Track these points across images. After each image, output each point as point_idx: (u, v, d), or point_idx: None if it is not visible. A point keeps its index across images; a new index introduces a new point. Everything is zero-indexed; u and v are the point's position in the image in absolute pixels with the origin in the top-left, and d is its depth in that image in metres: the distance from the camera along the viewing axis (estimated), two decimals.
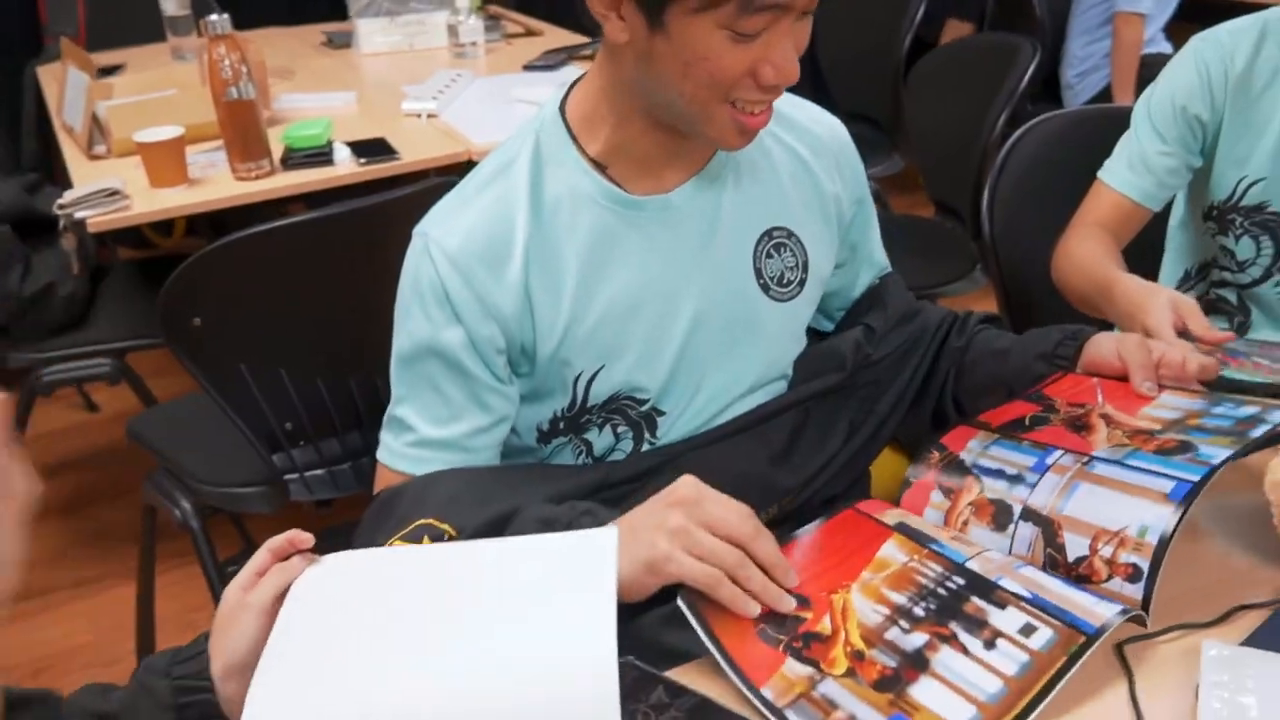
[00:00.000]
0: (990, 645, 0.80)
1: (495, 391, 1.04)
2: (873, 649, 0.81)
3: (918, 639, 0.81)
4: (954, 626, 0.82)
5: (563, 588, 0.81)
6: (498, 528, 0.94)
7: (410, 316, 1.03)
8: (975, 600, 0.84)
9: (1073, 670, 0.76)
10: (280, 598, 0.83)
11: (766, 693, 0.79)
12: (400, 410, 1.06)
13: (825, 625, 0.83)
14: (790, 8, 0.90)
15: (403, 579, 0.85)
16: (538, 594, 0.81)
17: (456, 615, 0.80)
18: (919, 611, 0.83)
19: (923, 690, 0.77)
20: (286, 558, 0.86)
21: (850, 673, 0.79)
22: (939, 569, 0.87)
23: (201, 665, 0.82)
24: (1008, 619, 0.81)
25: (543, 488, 1.02)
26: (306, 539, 0.86)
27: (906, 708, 0.76)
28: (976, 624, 0.81)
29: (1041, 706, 0.74)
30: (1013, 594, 0.83)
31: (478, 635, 0.78)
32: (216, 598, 1.76)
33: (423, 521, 0.94)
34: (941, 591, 0.85)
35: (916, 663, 0.79)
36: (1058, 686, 0.75)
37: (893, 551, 0.91)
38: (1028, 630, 0.80)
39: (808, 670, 0.80)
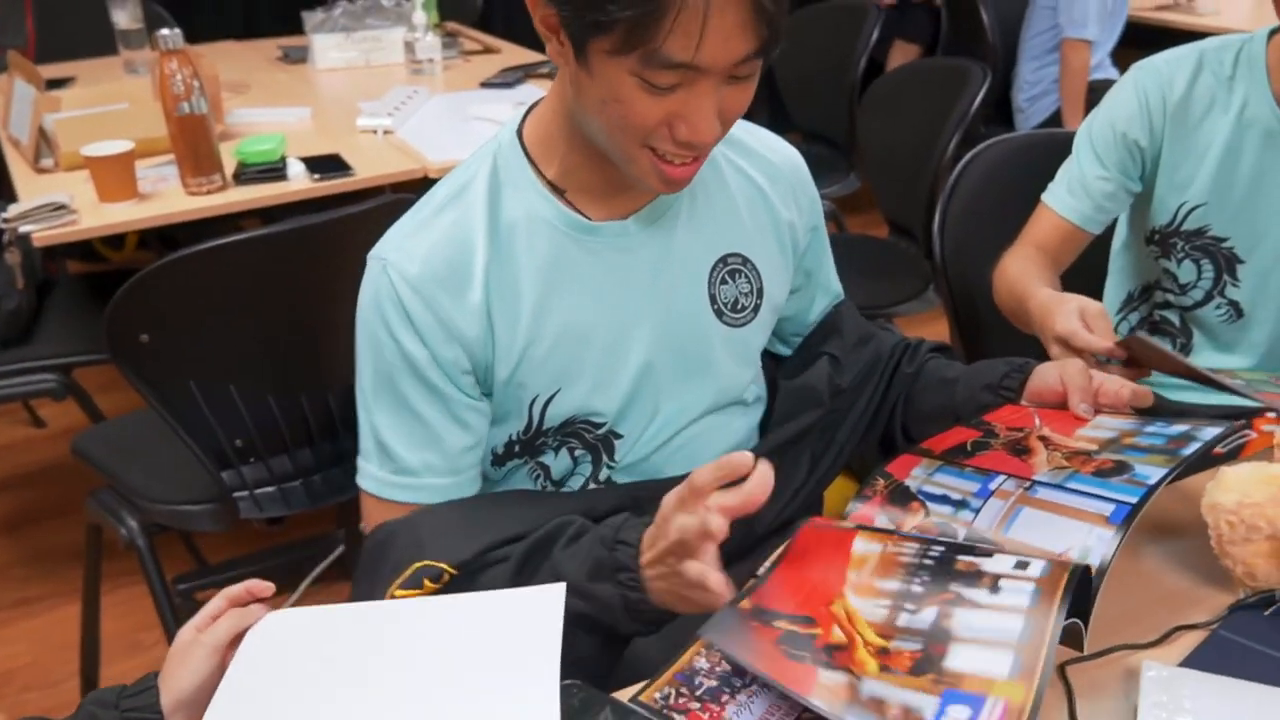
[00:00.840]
0: (995, 589, 0.80)
1: (471, 408, 1.04)
2: (893, 640, 0.81)
3: (929, 614, 0.81)
4: (955, 588, 0.82)
5: (510, 648, 0.81)
6: (529, 557, 0.94)
7: (377, 341, 1.01)
8: (962, 557, 0.84)
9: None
10: (234, 640, 0.84)
11: (817, 702, 0.78)
12: (381, 437, 1.04)
13: (838, 635, 0.83)
14: (702, 70, 0.87)
15: (354, 639, 0.85)
16: (485, 655, 0.81)
17: (403, 679, 0.80)
18: (917, 589, 0.83)
19: (957, 658, 0.77)
20: (244, 605, 0.87)
21: (884, 669, 0.79)
22: (915, 545, 0.88)
23: (151, 699, 0.82)
24: (999, 563, 0.83)
25: (532, 513, 1.01)
26: (266, 588, 0.87)
27: (951, 681, 0.76)
28: (974, 577, 0.82)
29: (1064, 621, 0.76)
30: (991, 546, 0.85)
31: (424, 701, 0.78)
32: (164, 617, 1.74)
33: (421, 565, 0.94)
34: (928, 562, 0.85)
35: (939, 636, 0.79)
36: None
37: (865, 546, 0.91)
38: (1022, 565, 0.81)
39: (844, 678, 0.79)
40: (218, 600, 0.86)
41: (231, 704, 0.78)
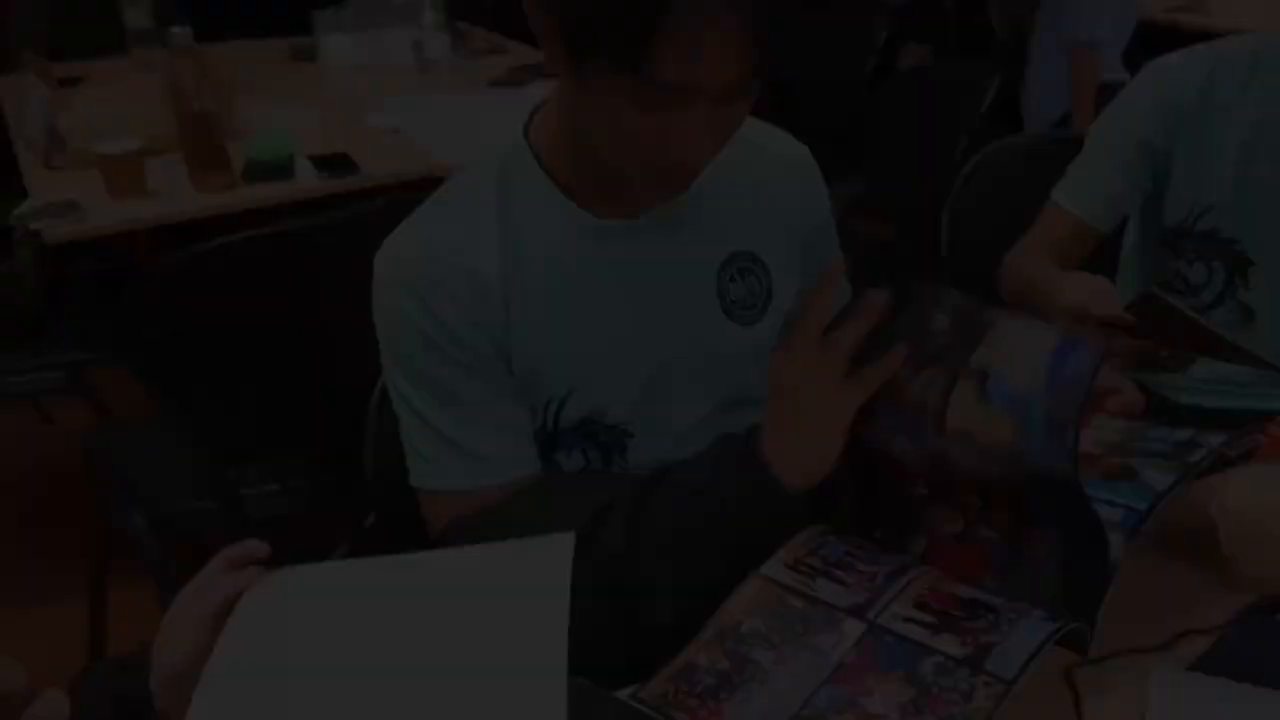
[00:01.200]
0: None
1: (514, 384, 1.04)
2: None
3: None
4: None
5: (516, 600, 0.79)
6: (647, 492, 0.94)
7: (409, 340, 1.01)
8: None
9: None
10: (227, 607, 0.80)
11: None
12: (440, 430, 1.03)
13: None
14: (696, 92, 0.86)
15: (354, 595, 0.83)
16: (490, 609, 0.79)
17: (404, 637, 0.79)
18: None
19: None
20: (241, 567, 0.83)
21: None
22: None
23: (142, 676, 0.79)
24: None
25: (605, 483, 1.01)
26: (262, 549, 0.85)
27: None
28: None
29: None
30: None
31: (426, 659, 0.77)
32: None
33: None
34: None
35: None
36: None
37: None
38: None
39: None
40: (215, 562, 0.82)
41: (225, 678, 0.74)
